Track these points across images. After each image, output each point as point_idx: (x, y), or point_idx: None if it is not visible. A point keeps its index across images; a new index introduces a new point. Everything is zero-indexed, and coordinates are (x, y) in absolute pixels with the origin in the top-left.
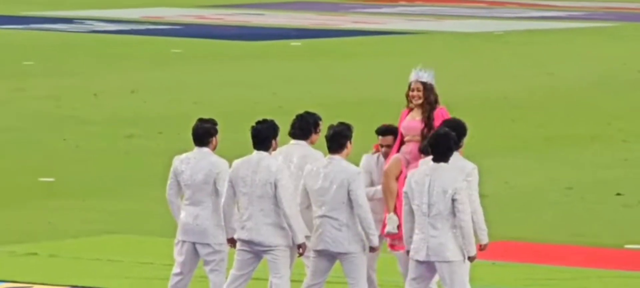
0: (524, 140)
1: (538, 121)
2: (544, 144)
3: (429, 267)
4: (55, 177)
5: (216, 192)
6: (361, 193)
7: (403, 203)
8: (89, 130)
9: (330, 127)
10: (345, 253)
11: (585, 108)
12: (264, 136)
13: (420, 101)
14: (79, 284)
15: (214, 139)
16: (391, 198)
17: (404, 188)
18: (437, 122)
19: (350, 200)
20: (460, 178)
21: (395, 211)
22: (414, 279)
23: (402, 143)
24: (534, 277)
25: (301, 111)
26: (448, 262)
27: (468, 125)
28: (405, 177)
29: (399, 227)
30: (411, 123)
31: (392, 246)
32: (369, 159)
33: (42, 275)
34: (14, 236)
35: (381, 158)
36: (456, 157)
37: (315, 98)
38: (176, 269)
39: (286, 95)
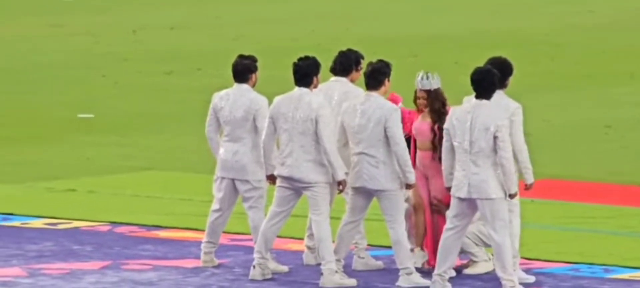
0: (563, 78)
1: (577, 59)
2: (584, 81)
3: (470, 204)
4: (94, 113)
5: (255, 129)
6: (398, 131)
7: (444, 140)
8: (127, 67)
9: (369, 64)
10: (382, 190)
11: (625, 46)
12: (305, 72)
13: (426, 108)
14: (118, 220)
15: (253, 75)
16: (418, 233)
17: (445, 125)
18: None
19: (387, 137)
20: (503, 116)
21: (424, 246)
22: (455, 216)
23: (415, 147)
24: (572, 214)
25: (340, 48)
26: (490, 199)
27: (514, 64)
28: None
29: (428, 262)
30: (422, 125)
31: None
32: None
33: (80, 212)
34: (52, 172)
35: None
36: (500, 95)
37: (353, 35)
38: (215, 205)
39: (324, 32)
